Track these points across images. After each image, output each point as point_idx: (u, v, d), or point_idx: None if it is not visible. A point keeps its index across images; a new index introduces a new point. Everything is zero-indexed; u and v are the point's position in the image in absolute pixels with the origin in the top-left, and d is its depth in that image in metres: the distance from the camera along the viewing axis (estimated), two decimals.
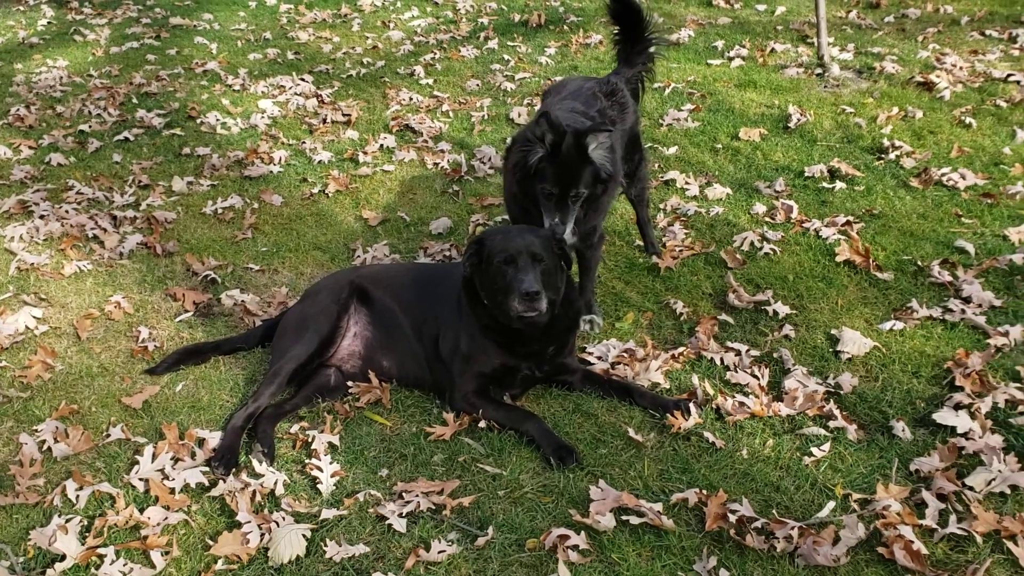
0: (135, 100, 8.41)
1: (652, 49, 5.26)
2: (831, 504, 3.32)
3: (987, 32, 8.60)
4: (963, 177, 5.84)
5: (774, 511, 3.32)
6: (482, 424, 3.90)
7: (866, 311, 4.64)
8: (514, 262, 3.82)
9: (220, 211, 6.17)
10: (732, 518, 3.23)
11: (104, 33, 10.92)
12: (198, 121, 7.79)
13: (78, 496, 3.52)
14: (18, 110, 8.10)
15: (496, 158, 6.72)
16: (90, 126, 7.75)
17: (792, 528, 3.15)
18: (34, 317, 4.84)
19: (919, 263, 4.98)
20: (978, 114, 6.81)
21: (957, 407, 3.77)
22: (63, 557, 3.23)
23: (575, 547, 3.19)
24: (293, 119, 7.84)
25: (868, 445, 3.68)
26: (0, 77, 9.25)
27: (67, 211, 6.12)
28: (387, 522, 3.37)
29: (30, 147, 7.33)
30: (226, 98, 8.38)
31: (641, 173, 5.13)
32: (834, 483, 3.46)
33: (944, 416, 3.71)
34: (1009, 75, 7.35)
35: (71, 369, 4.47)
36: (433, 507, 3.45)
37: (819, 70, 7.85)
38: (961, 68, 7.64)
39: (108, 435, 3.92)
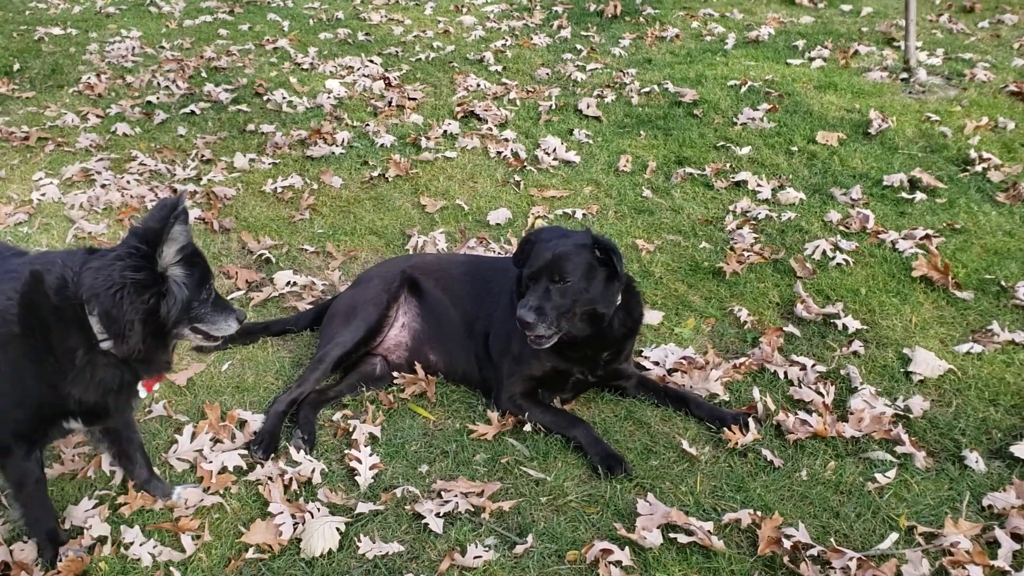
0: (204, 74, 8.43)
1: None
2: (894, 536, 3.15)
3: None
4: None
5: (832, 539, 3.16)
6: (527, 427, 3.77)
7: (942, 331, 4.39)
8: (534, 278, 3.61)
9: (280, 190, 6.11)
10: (787, 543, 3.08)
11: (179, 6, 11.00)
12: (264, 98, 7.77)
13: (113, 472, 3.47)
14: (89, 78, 8.16)
15: (561, 149, 6.55)
16: (158, 97, 7.77)
17: (850, 559, 2.99)
18: None
19: (1002, 283, 4.70)
20: None
21: None
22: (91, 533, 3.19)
23: (618, 563, 3.05)
24: (359, 101, 7.77)
25: (937, 475, 3.47)
26: (75, 45, 9.35)
27: (128, 181, 6.13)
28: (423, 521, 3.26)
29: (97, 116, 7.38)
30: (294, 76, 8.35)
31: None
32: (898, 513, 3.27)
33: (1022, 450, 3.50)
34: None
35: None
36: (472, 509, 3.33)
37: (904, 75, 7.51)
38: None
39: (150, 411, 3.88)
